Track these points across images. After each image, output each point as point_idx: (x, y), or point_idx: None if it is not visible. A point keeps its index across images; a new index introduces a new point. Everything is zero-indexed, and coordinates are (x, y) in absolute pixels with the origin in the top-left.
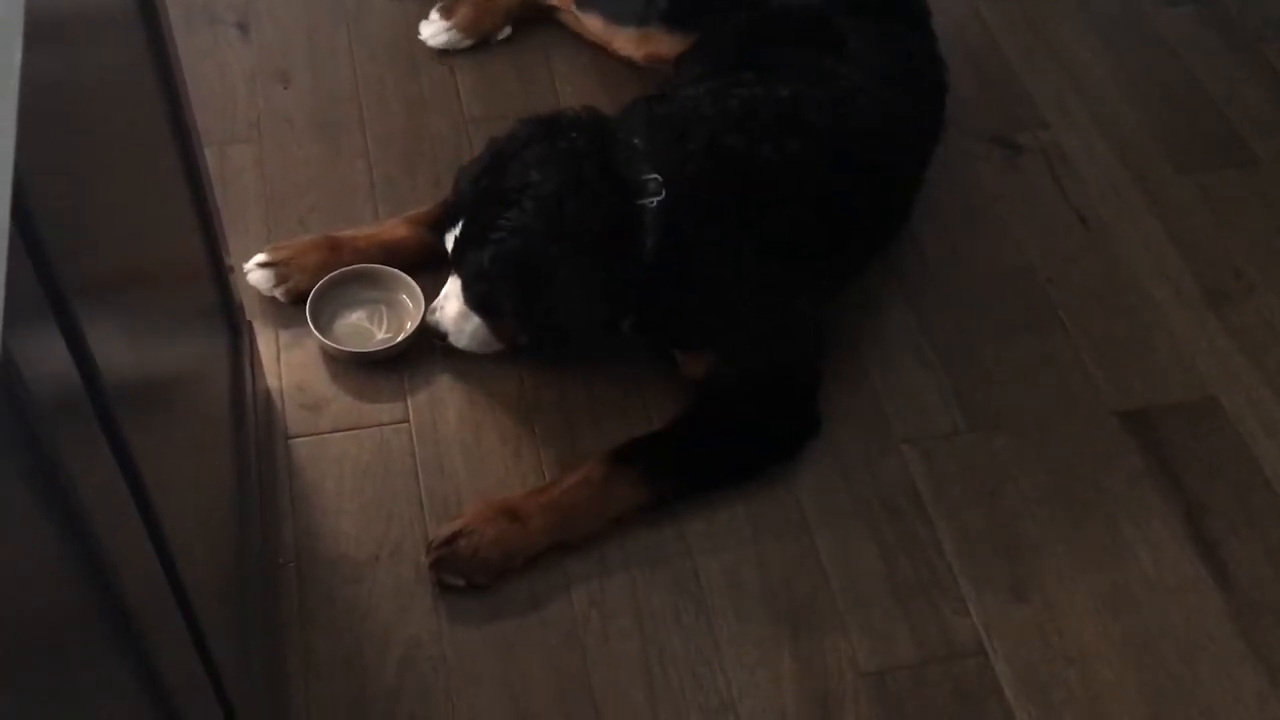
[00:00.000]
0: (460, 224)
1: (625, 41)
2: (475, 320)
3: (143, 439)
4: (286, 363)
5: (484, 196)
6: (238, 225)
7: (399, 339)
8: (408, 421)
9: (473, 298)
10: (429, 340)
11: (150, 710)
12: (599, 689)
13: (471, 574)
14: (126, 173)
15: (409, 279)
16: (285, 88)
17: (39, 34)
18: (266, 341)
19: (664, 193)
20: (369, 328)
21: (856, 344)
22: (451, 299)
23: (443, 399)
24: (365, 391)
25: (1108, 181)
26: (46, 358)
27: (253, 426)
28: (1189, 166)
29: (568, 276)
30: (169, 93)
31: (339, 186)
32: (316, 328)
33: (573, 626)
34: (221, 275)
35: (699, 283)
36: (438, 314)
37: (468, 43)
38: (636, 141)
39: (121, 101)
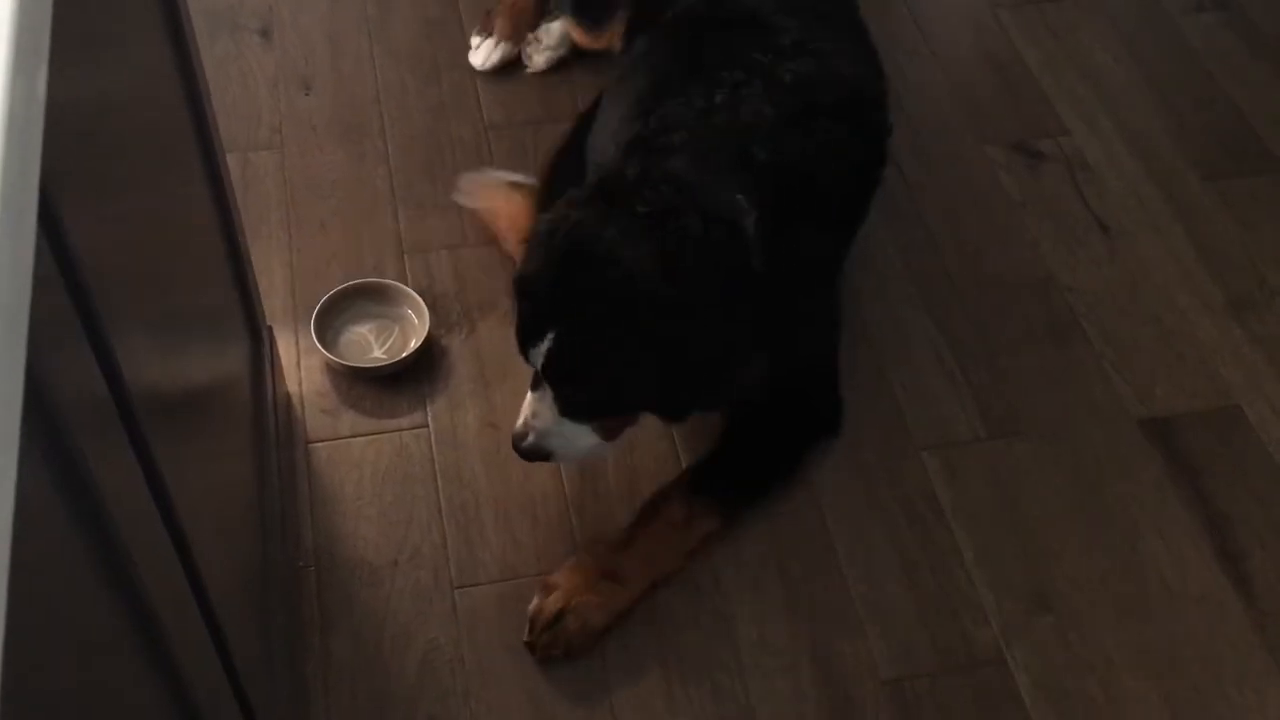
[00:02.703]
0: (552, 337)
1: (580, 35)
2: (587, 432)
3: (167, 446)
4: (306, 368)
5: (573, 298)
6: (260, 231)
7: (403, 355)
8: (427, 427)
9: (591, 409)
10: (441, 350)
11: (174, 712)
12: (617, 693)
13: (580, 648)
14: (151, 182)
15: (415, 295)
16: (307, 94)
17: (67, 54)
18: (286, 347)
19: (755, 210)
20: (374, 342)
21: (877, 352)
22: (545, 418)
23: (462, 404)
24: (385, 397)
25: (1130, 189)
26: (77, 372)
27: (273, 432)
28: (1212, 174)
29: (708, 342)
30: (193, 102)
31: (360, 192)
32: (322, 342)
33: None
34: (243, 281)
35: (800, 284)
36: (531, 439)
37: (517, 49)
38: (696, 173)
39: (147, 112)
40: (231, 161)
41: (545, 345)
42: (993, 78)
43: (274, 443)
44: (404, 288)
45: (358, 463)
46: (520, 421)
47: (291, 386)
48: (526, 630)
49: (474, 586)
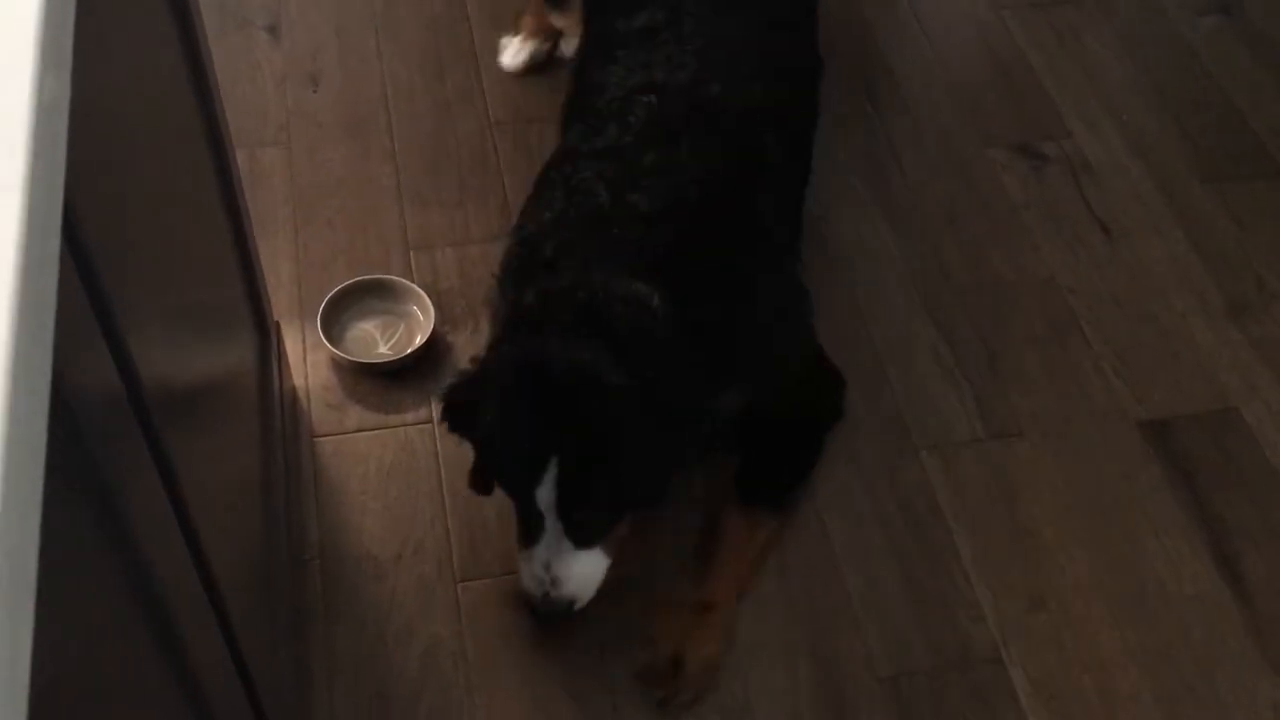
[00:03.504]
0: (555, 464)
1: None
2: (599, 557)
3: (178, 438)
4: (312, 363)
5: (556, 419)
6: (267, 227)
7: (408, 351)
8: (432, 422)
9: (605, 524)
10: (446, 346)
11: (181, 699)
12: (616, 688)
13: (709, 684)
14: (162, 180)
15: (420, 291)
16: (314, 90)
17: (81, 50)
18: (293, 342)
19: (657, 294)
20: (379, 338)
21: (877, 353)
22: (562, 559)
23: None
24: (390, 392)
25: (1131, 191)
26: (93, 367)
27: (279, 425)
28: (1213, 177)
29: (686, 402)
30: (203, 97)
31: (366, 188)
32: (328, 337)
33: (592, 625)
34: (251, 276)
35: (738, 314)
36: (557, 590)
37: (546, 45)
38: (584, 275)
39: (158, 110)
40: (239, 157)
41: (550, 476)
42: (996, 79)
43: (280, 436)
44: (409, 284)
45: (363, 457)
46: (531, 581)
47: (298, 381)
48: (657, 690)
49: (477, 581)
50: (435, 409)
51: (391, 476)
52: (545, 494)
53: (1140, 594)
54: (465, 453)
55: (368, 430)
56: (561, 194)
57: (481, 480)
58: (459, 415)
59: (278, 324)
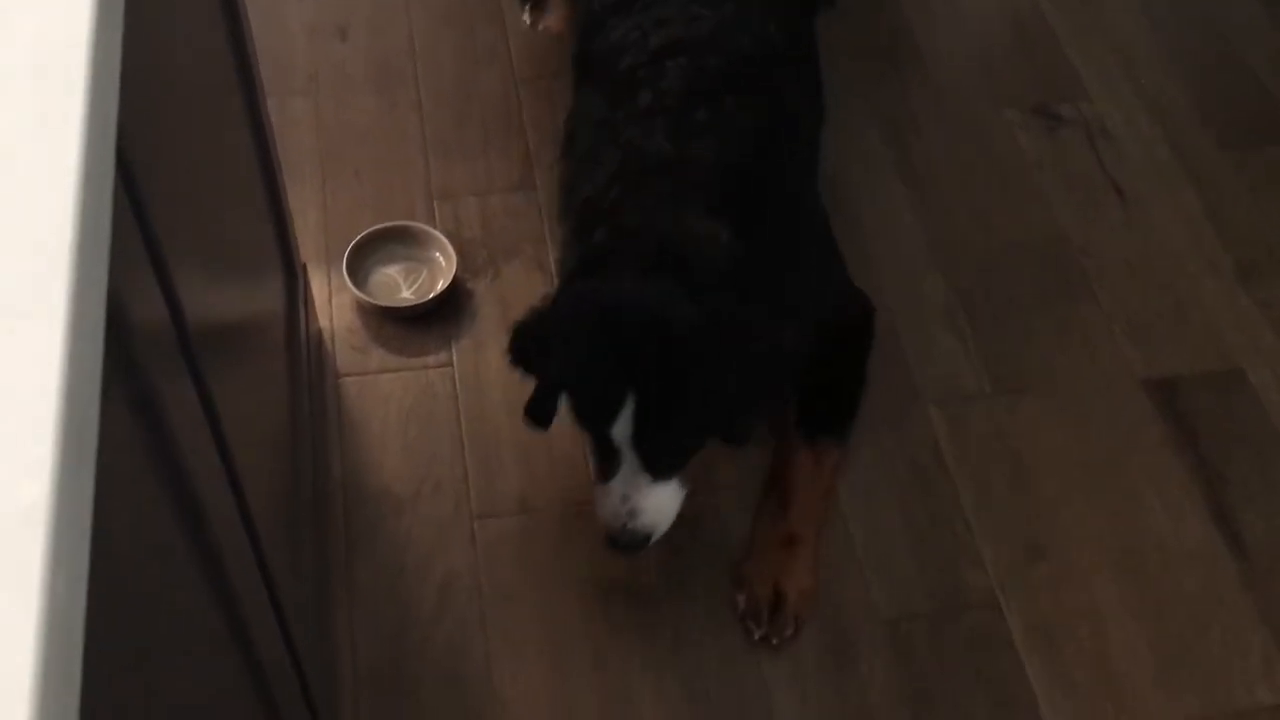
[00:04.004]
0: (632, 401)
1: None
2: (675, 489)
3: (216, 372)
4: (338, 306)
5: (631, 356)
6: (295, 174)
7: (430, 296)
8: (452, 366)
9: (681, 455)
10: (467, 293)
11: (219, 615)
12: (626, 621)
13: (809, 614)
14: (201, 126)
15: (443, 239)
16: (343, 41)
17: (132, 3)
18: (319, 286)
19: (725, 231)
20: (402, 284)
21: (889, 310)
22: (640, 491)
23: (486, 345)
24: (412, 335)
25: (1147, 155)
26: (146, 302)
27: (305, 364)
28: (1230, 142)
29: (761, 334)
30: (238, 47)
31: (392, 138)
32: (353, 281)
33: (603, 561)
34: (281, 220)
35: (791, 242)
36: (635, 521)
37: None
38: (650, 216)
39: (197, 58)
40: (269, 106)
41: (627, 412)
42: (1015, 40)
43: (307, 373)
44: (433, 231)
45: (385, 398)
46: (609, 514)
47: (324, 323)
48: (754, 629)
49: (493, 518)
50: (455, 353)
51: (412, 417)
52: (622, 429)
53: (1139, 548)
54: (483, 397)
55: (390, 372)
56: (615, 151)
57: (539, 414)
58: (526, 351)
59: (305, 266)
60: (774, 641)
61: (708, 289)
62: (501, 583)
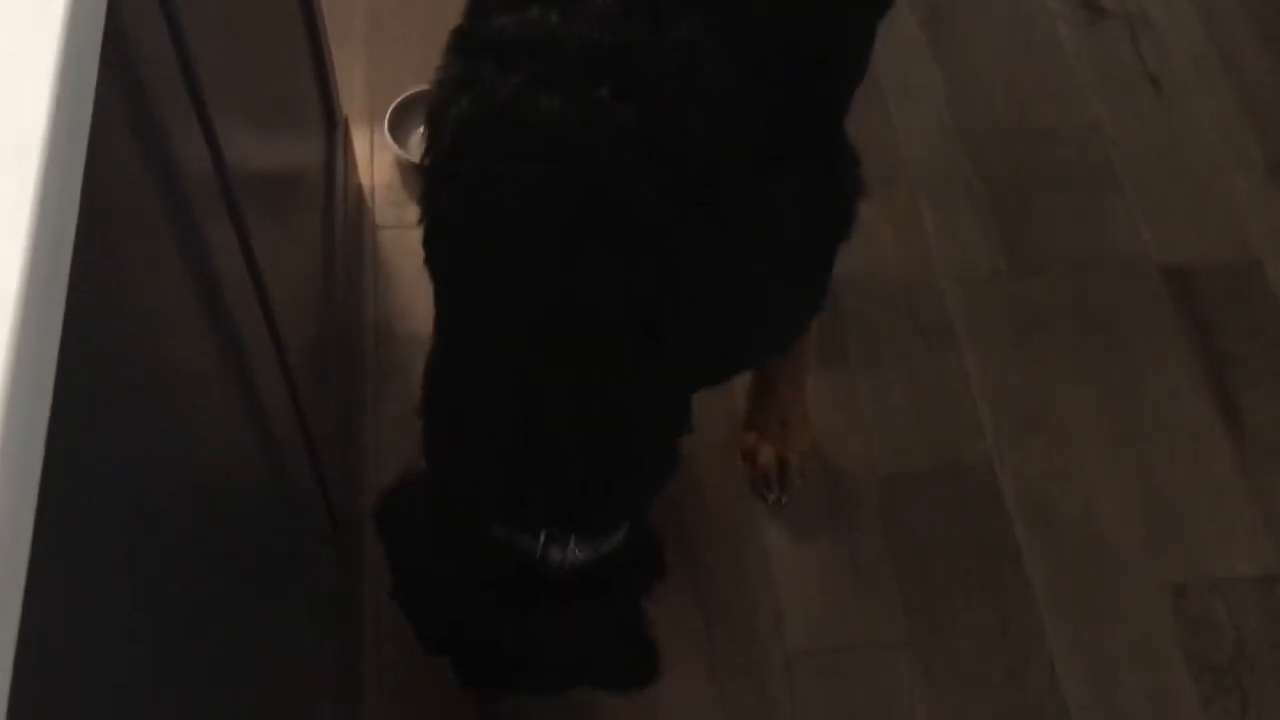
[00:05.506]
0: None
1: None
2: None
3: (254, 216)
4: (379, 164)
5: None
6: (343, 34)
7: None
8: None
9: None
10: None
11: (252, 433)
12: None
13: (809, 469)
14: None
15: None
16: None
17: None
18: (361, 144)
19: None
20: None
21: (912, 188)
22: None
23: None
24: None
25: (1187, 48)
26: (191, 152)
27: (342, 214)
28: (1272, 37)
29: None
30: None
31: (440, 2)
32: (395, 140)
33: None
34: (322, 71)
35: None
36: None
37: None
38: None
39: None
40: None
41: None
42: None
43: (344, 222)
44: None
45: (420, 250)
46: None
47: (364, 179)
48: (767, 495)
49: None
50: None
51: None
52: None
53: (1137, 424)
54: None
55: None
56: None
57: None
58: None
59: (346, 120)
60: (784, 501)
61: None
62: None
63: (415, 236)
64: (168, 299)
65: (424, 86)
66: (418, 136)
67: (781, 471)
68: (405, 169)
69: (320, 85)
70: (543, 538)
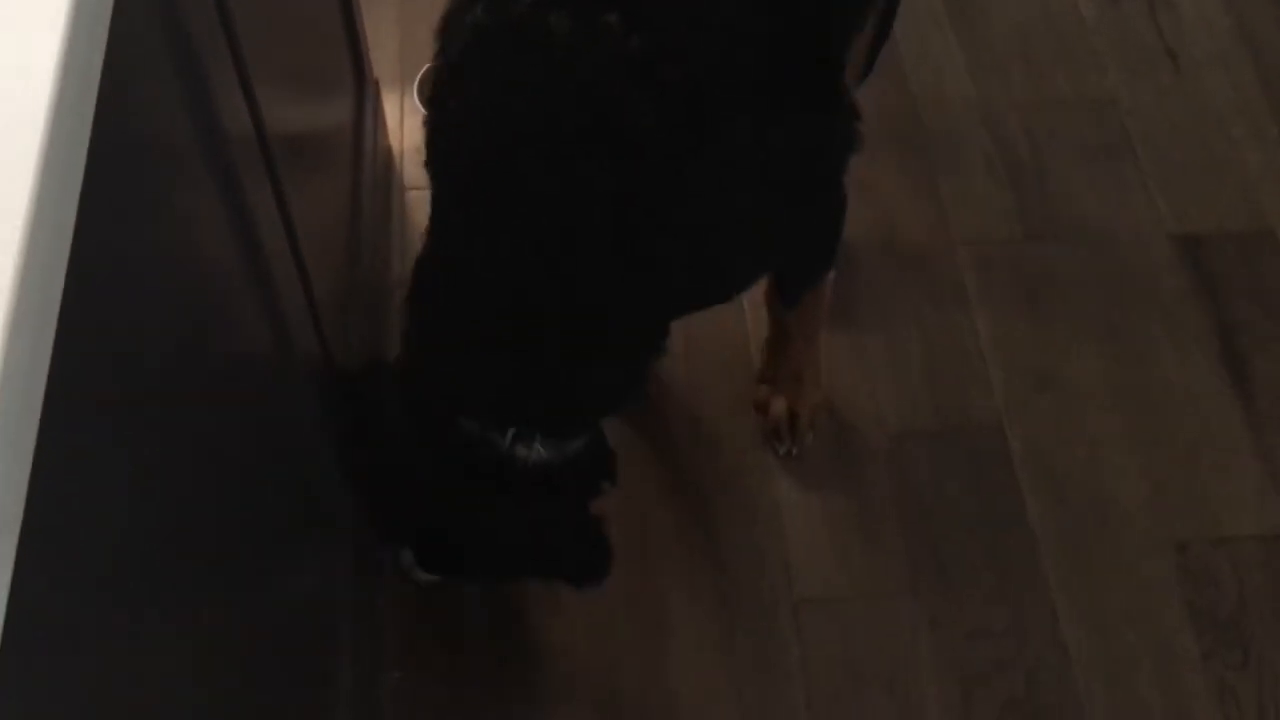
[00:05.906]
0: None
1: None
2: None
3: (287, 173)
4: (409, 127)
5: None
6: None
7: None
8: None
9: None
10: None
11: (282, 356)
12: (641, 428)
13: (819, 421)
14: None
15: None
16: None
17: None
18: (392, 108)
19: None
20: None
21: (929, 157)
22: None
23: None
24: None
25: (1206, 23)
26: (233, 112)
27: (371, 172)
28: None
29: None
30: None
31: None
32: (425, 104)
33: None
34: (353, 34)
35: None
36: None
37: None
38: None
39: None
40: None
41: None
42: None
43: (372, 180)
44: None
45: None
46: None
47: (394, 142)
48: (779, 447)
49: None
50: None
51: None
52: None
53: (1144, 385)
54: None
55: None
56: None
57: None
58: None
59: (377, 82)
60: (794, 453)
61: None
62: None
63: None
64: (213, 251)
65: None
66: None
67: (793, 424)
68: None
69: (351, 47)
70: (510, 435)
